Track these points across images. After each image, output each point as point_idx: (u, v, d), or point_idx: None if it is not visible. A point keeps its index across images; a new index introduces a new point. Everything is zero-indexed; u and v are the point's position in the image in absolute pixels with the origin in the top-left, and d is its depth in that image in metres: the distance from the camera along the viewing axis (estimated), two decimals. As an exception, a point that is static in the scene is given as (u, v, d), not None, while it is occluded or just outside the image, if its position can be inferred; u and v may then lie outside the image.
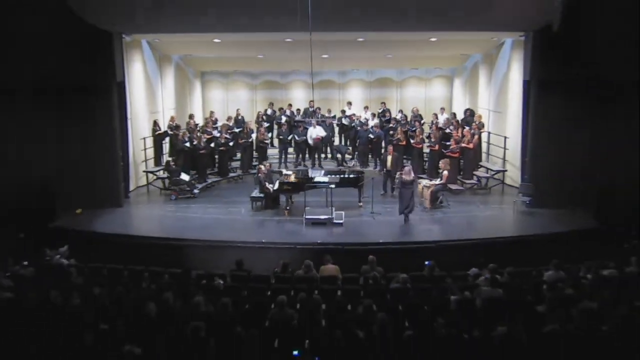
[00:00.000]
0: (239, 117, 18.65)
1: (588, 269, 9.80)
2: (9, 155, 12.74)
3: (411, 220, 13.31)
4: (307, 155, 17.85)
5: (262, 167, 14.82)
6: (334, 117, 18.67)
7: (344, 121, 18.29)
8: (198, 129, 17.03)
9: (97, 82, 13.89)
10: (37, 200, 13.11)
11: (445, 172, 14.20)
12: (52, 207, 13.33)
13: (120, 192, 14.67)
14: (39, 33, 12.17)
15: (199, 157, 16.21)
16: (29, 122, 13.30)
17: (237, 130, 17.64)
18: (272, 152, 18.39)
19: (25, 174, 13.04)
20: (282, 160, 17.88)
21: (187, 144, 16.06)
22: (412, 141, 16.73)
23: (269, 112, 19.28)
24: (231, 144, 17.21)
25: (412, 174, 13.11)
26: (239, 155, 17.69)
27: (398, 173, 13.33)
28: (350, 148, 18.15)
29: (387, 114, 18.64)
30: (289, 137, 17.82)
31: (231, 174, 17.22)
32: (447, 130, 16.55)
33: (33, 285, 8.89)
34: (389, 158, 14.34)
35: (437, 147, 15.98)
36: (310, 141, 17.46)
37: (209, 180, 16.55)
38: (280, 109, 19.43)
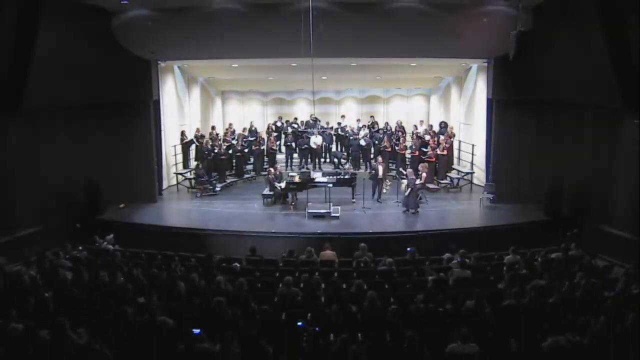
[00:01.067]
0: (253, 128, 18.29)
1: (539, 253, 9.81)
2: (66, 161, 12.72)
3: (396, 213, 13.12)
4: (309, 160, 17.60)
5: (272, 169, 14.58)
6: (332, 128, 18.42)
7: (340, 132, 18.03)
8: (219, 138, 16.78)
9: (137, 100, 13.90)
10: (89, 197, 13.18)
11: (424, 174, 13.96)
12: (101, 203, 13.33)
13: (154, 190, 14.58)
14: (91, 59, 12.29)
15: (219, 162, 16.06)
16: (81, 132, 13.32)
17: (251, 139, 17.32)
18: (280, 157, 18.08)
19: (79, 175, 13.05)
20: (289, 164, 17.61)
21: (211, 153, 15.90)
22: (396, 148, 16.60)
23: (278, 124, 18.89)
24: (246, 150, 17.03)
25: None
26: (252, 159, 17.47)
27: (409, 177, 13.03)
28: (345, 154, 17.81)
29: (376, 126, 18.18)
30: (294, 146, 17.64)
31: (246, 175, 16.99)
32: (426, 139, 16.34)
33: (86, 266, 8.94)
34: (380, 168, 13.99)
35: (417, 153, 15.77)
36: (313, 145, 17.25)
37: (228, 181, 16.38)
38: (287, 121, 19.05)
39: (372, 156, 17.38)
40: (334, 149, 17.96)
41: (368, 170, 16.84)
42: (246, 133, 17.85)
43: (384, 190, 14.00)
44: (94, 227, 12.04)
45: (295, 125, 18.43)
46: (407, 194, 12.79)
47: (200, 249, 10.68)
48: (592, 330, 6.14)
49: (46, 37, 10.84)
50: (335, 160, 17.64)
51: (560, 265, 9.05)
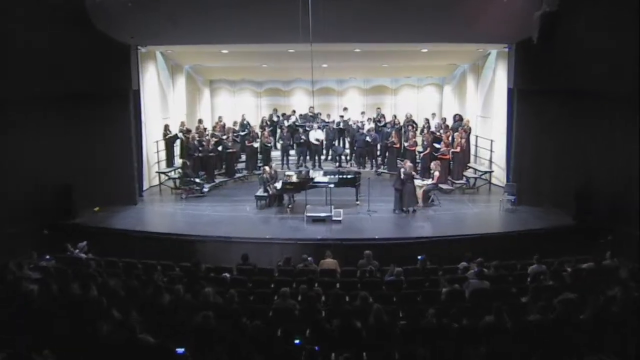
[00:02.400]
0: (244, 122, 18.33)
1: (568, 263, 9.79)
2: (35, 157, 12.70)
3: (405, 216, 13.19)
4: (307, 157, 17.77)
5: (266, 168, 14.69)
6: (333, 121, 18.54)
7: (342, 125, 18.19)
8: (207, 133, 16.85)
9: (114, 90, 13.79)
10: (59, 198, 13.13)
11: (437, 173, 13.95)
12: (73, 205, 13.26)
13: (134, 191, 14.56)
14: (63, 45, 12.20)
15: (207, 159, 16.13)
16: (52, 126, 13.27)
17: (242, 134, 17.41)
18: (276, 154, 18.18)
19: (49, 174, 13.05)
20: (285, 162, 17.72)
21: (198, 150, 15.92)
22: (405, 145, 16.60)
23: (273, 117, 18.97)
24: (238, 146, 17.12)
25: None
26: (244, 157, 17.57)
27: (403, 168, 12.98)
28: (348, 150, 17.87)
29: (383, 119, 18.20)
30: (291, 142, 17.74)
31: (237, 175, 17.08)
32: (438, 134, 16.31)
33: (55, 278, 8.84)
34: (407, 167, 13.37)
35: (428, 150, 15.77)
36: (313, 141, 17.25)
37: (217, 181, 16.41)
38: (283, 114, 19.11)
39: (378, 153, 17.50)
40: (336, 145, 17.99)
41: (374, 169, 16.99)
42: (237, 127, 17.84)
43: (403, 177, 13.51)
44: (65, 233, 11.99)
45: (293, 119, 18.50)
46: (396, 185, 12.73)
47: (186, 257, 10.62)
48: (630, 351, 6.10)
49: (12, 19, 10.80)
50: (337, 157, 17.77)
51: (593, 277, 9.01)
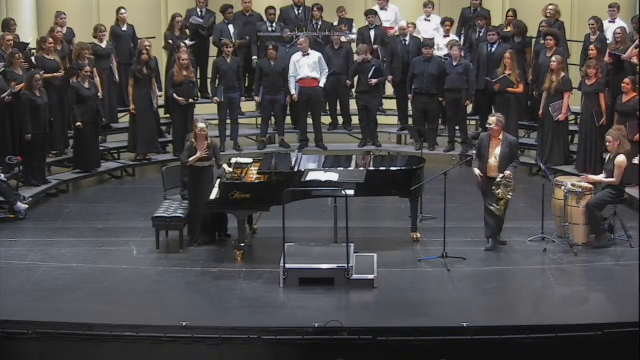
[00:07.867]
0: (119, 28, 17.08)
1: None
2: None
3: (538, 269, 11.90)
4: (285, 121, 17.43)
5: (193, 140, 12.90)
6: (348, 31, 17.43)
7: (377, 36, 17.24)
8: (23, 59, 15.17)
9: None
10: None
11: (622, 159, 12.05)
12: None
13: None
14: None
15: (37, 117, 14.30)
16: None
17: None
18: (205, 109, 17.13)
19: None
20: (229, 134, 16.81)
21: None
22: (542, 89, 15.10)
23: (193, 18, 17.68)
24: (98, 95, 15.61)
25: None
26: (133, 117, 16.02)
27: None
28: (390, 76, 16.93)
29: (491, 36, 16.48)
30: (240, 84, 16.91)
31: (107, 165, 15.94)
32: (623, 56, 14.91)
33: None
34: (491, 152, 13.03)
35: (604, 101, 14.30)
36: (293, 89, 16.42)
37: (53, 181, 15.22)
38: (226, 6, 17.61)
39: (468, 108, 16.79)
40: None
41: (459, 149, 16.59)
42: (104, 43, 16.67)
43: (501, 202, 12.44)
44: None
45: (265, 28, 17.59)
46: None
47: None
48: None
49: None
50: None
51: None
